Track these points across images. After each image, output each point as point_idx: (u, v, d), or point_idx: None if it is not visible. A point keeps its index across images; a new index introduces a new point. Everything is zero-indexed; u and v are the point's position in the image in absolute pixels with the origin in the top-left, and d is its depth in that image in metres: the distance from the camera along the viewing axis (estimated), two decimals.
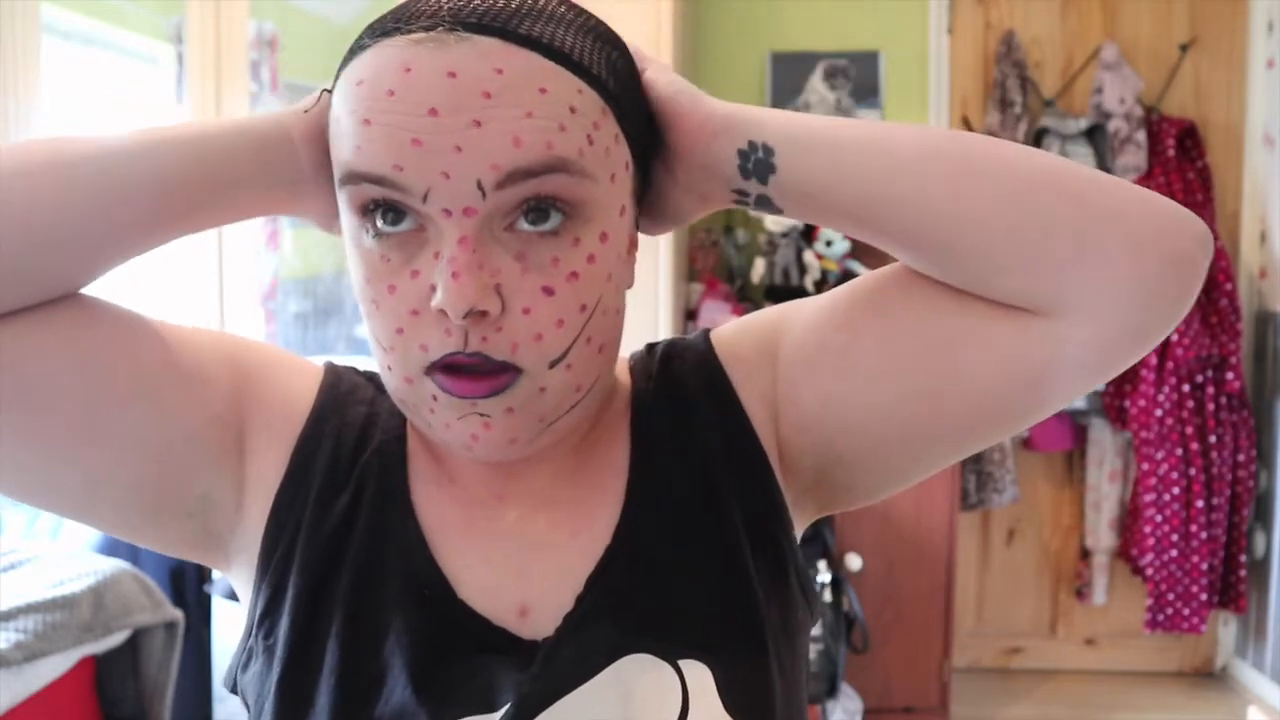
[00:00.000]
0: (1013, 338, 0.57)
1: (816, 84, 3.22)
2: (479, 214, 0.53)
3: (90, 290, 0.58)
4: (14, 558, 2.20)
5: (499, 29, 0.52)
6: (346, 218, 0.57)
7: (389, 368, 0.57)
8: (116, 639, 2.14)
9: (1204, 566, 2.95)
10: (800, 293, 2.95)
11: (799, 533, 0.68)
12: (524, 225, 0.54)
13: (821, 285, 2.97)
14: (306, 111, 0.60)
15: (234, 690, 0.65)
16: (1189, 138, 3.04)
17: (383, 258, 0.55)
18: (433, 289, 0.53)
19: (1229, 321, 2.98)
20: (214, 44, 2.93)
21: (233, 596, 2.53)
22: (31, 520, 2.64)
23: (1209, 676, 3.24)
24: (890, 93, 3.22)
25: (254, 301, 3.12)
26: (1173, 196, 2.95)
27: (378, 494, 0.64)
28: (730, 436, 0.65)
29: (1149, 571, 3.01)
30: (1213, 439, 2.96)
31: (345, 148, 0.54)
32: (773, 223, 2.95)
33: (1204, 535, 2.94)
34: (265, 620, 0.62)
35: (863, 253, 3.06)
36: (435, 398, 0.56)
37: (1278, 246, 3.03)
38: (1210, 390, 2.97)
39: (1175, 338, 2.93)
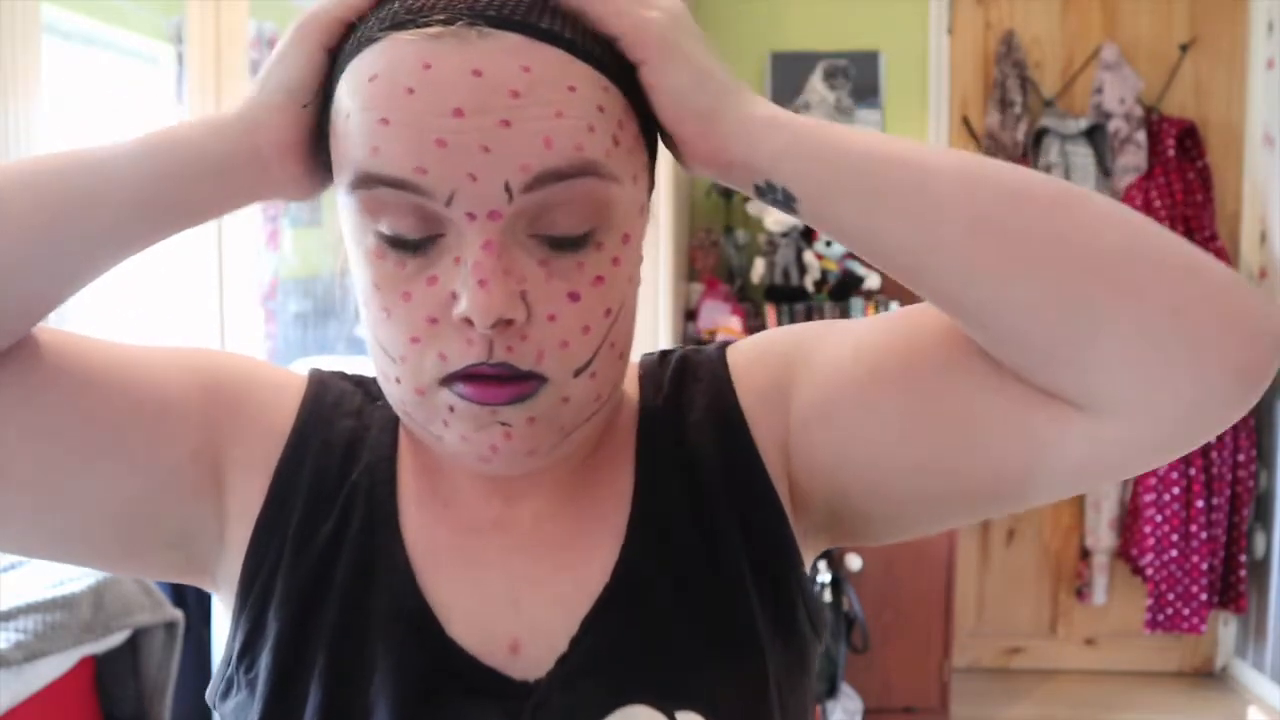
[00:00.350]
0: (1048, 431, 0.52)
1: (816, 84, 3.22)
2: (504, 218, 0.50)
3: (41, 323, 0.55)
4: (14, 558, 2.20)
5: (522, 23, 0.49)
6: (352, 219, 0.53)
7: (397, 379, 0.54)
8: (116, 639, 2.14)
9: (1204, 566, 2.95)
10: (800, 293, 2.95)
11: (809, 561, 0.65)
12: (550, 230, 0.51)
13: (821, 285, 2.97)
14: (306, 107, 0.54)
15: (213, 709, 0.63)
16: (1189, 138, 3.04)
17: (396, 264, 0.52)
18: (453, 296, 0.51)
19: None
20: (214, 44, 2.93)
21: None
22: None
23: (1209, 676, 3.24)
24: (890, 93, 3.22)
25: (254, 301, 3.12)
26: (1173, 196, 2.96)
27: (365, 519, 0.61)
28: (739, 473, 0.61)
29: (1149, 571, 3.01)
30: (1212, 439, 2.96)
31: (358, 147, 0.50)
32: (773, 222, 2.95)
33: (1204, 535, 2.94)
34: (246, 654, 0.59)
35: None
36: (452, 409, 0.52)
37: (1278, 246, 3.03)
38: None
39: None
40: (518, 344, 0.51)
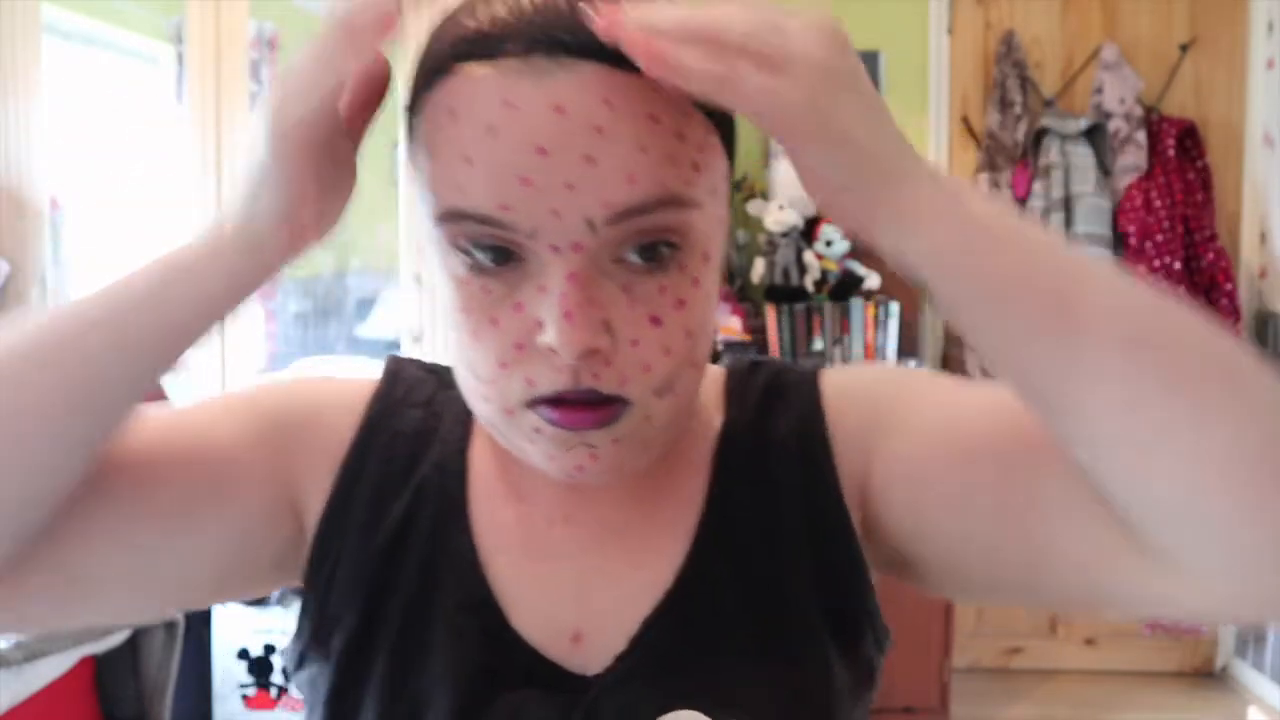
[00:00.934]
0: (1123, 581, 0.51)
1: None
2: (587, 249, 0.50)
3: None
4: None
5: (601, 50, 0.47)
6: (438, 246, 0.53)
7: (484, 398, 0.54)
8: (116, 639, 2.14)
9: None
10: (800, 293, 2.95)
11: None
12: (632, 258, 0.51)
13: (821, 285, 2.97)
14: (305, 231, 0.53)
15: (288, 677, 0.66)
16: (1189, 138, 3.04)
17: (483, 289, 0.52)
18: (538, 324, 0.51)
19: (1229, 321, 2.98)
20: (214, 44, 2.93)
21: None
22: None
23: (1209, 676, 3.24)
24: (890, 93, 3.22)
25: (254, 301, 3.12)
26: (1172, 196, 2.96)
27: (435, 509, 0.62)
28: (817, 499, 0.61)
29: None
30: None
31: (442, 183, 0.50)
32: (773, 222, 2.95)
33: None
34: (319, 632, 0.62)
35: (863, 254, 3.06)
36: (539, 430, 0.53)
37: (1278, 246, 3.04)
38: None
39: None
40: (602, 370, 0.51)
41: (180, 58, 3.08)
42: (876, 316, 2.99)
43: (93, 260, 3.31)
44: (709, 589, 0.59)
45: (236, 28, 2.94)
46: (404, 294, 2.92)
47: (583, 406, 0.52)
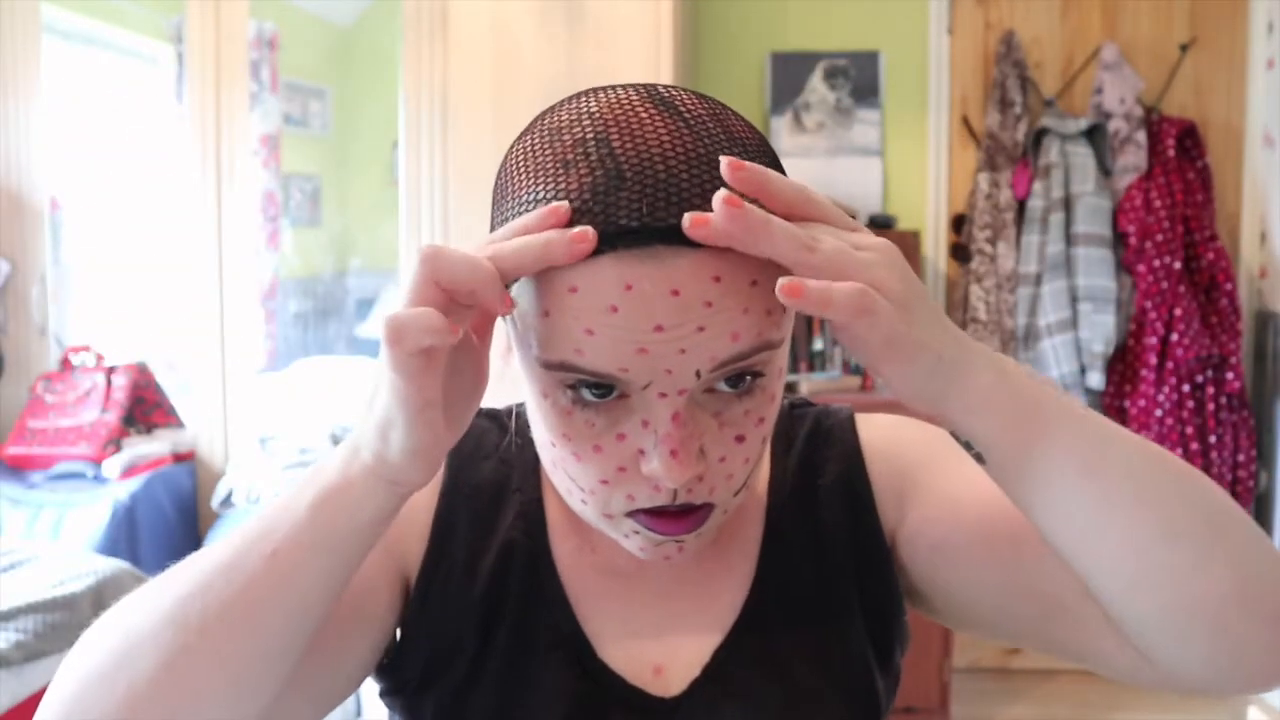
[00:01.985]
0: (1109, 654, 0.60)
1: (816, 84, 3.22)
2: (690, 392, 0.55)
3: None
4: (14, 558, 2.20)
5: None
6: (541, 383, 0.57)
7: (584, 503, 0.60)
8: None
9: None
10: None
11: None
12: (723, 387, 0.56)
13: None
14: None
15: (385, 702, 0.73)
16: (1189, 138, 3.04)
17: (586, 422, 0.57)
18: (640, 453, 0.56)
19: (1229, 321, 2.98)
20: (214, 44, 2.93)
21: None
22: (31, 520, 2.64)
23: None
24: (890, 93, 3.22)
25: (254, 301, 3.12)
26: (1172, 196, 2.96)
27: (526, 559, 0.69)
28: (862, 539, 0.70)
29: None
30: (1213, 439, 2.96)
31: (558, 341, 0.54)
32: None
33: None
34: (429, 670, 0.68)
35: None
36: (636, 532, 0.60)
37: (1278, 246, 3.04)
38: (1210, 390, 2.97)
39: (1175, 338, 2.93)
40: (695, 485, 0.58)
41: (180, 58, 3.08)
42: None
43: (93, 260, 3.31)
44: (768, 621, 0.68)
45: (236, 28, 2.94)
46: None
47: (677, 516, 0.58)
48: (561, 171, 0.54)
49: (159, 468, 2.81)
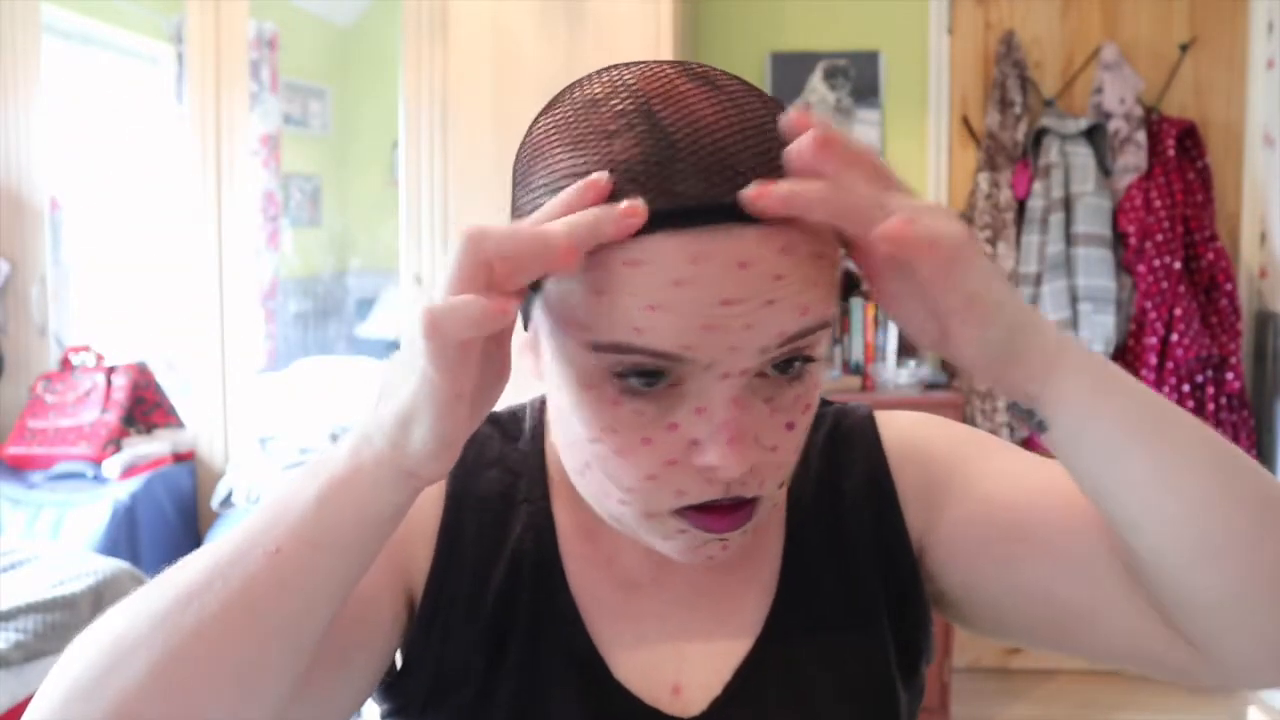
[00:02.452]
0: (1156, 650, 0.59)
1: (816, 84, 3.22)
2: (749, 372, 0.52)
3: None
4: (14, 558, 2.20)
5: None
6: (584, 369, 0.53)
7: (623, 503, 0.56)
8: None
9: None
10: None
11: None
12: (773, 372, 0.54)
13: None
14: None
15: None
16: (1189, 138, 3.04)
17: (635, 412, 0.53)
18: (693, 443, 0.53)
19: (1229, 321, 2.98)
20: (214, 44, 2.93)
21: None
22: (31, 520, 2.64)
23: None
24: (890, 93, 3.22)
25: (254, 301, 3.12)
26: (1173, 196, 2.95)
27: (535, 573, 0.66)
28: (888, 546, 0.67)
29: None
30: None
31: (613, 321, 0.50)
32: None
33: None
34: (435, 692, 0.65)
35: None
36: (682, 531, 0.56)
37: (1278, 246, 3.03)
38: (1210, 390, 2.97)
39: (1175, 338, 2.93)
40: (748, 476, 0.55)
41: (180, 58, 3.08)
42: (876, 317, 2.99)
43: (93, 260, 3.31)
44: (791, 636, 0.65)
45: (236, 28, 2.94)
46: (404, 294, 2.92)
47: (726, 511, 0.55)
48: (605, 141, 0.51)
49: (159, 468, 2.81)
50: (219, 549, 0.52)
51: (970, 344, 0.52)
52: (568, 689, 0.63)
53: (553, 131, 0.54)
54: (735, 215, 0.49)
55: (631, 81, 0.54)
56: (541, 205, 0.52)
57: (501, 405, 0.68)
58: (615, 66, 0.57)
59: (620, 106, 0.52)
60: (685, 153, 0.50)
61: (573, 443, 0.57)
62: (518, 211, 0.56)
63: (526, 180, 0.55)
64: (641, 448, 0.54)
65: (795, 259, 0.51)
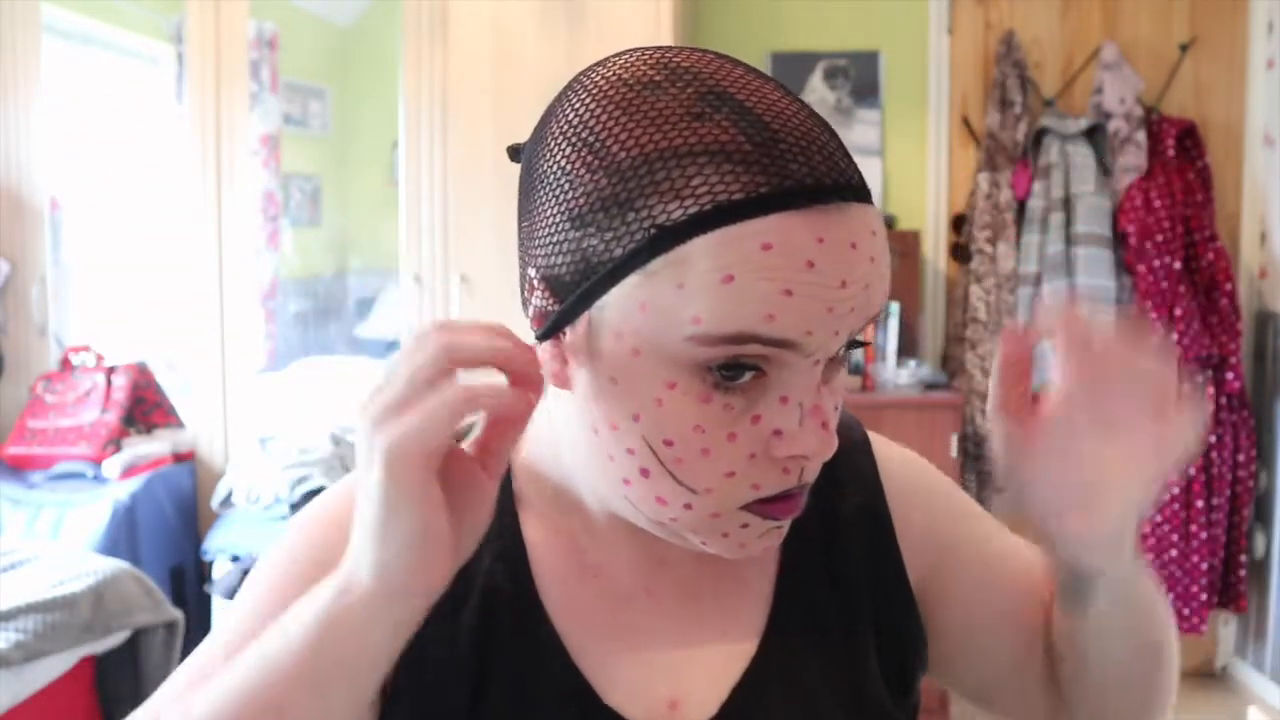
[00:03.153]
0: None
1: (816, 84, 3.22)
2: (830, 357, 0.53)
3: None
4: (14, 558, 2.20)
5: (862, 188, 0.52)
6: (677, 368, 0.51)
7: (688, 506, 0.54)
8: (116, 639, 2.14)
9: (1204, 566, 2.95)
10: None
11: None
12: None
13: None
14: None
15: None
16: (1189, 138, 3.04)
17: (725, 406, 0.52)
18: (775, 434, 0.53)
19: (1229, 321, 2.98)
20: (214, 44, 2.93)
21: (233, 596, 2.53)
22: (31, 520, 2.64)
23: (1209, 676, 3.24)
24: (890, 93, 3.22)
25: (254, 301, 3.12)
26: (1173, 196, 2.95)
27: (511, 607, 0.62)
28: (884, 575, 0.68)
29: (1149, 571, 3.00)
30: (1213, 439, 2.96)
31: (745, 311, 0.49)
32: None
33: (1204, 535, 2.94)
34: None
35: None
36: (746, 525, 0.55)
37: (1278, 246, 3.03)
38: (1210, 390, 2.97)
39: (1175, 338, 2.93)
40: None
41: (180, 58, 3.08)
42: (876, 317, 2.99)
43: (93, 260, 3.31)
44: (790, 653, 0.63)
45: (236, 28, 2.94)
46: (404, 294, 2.92)
47: (790, 497, 0.55)
48: (695, 122, 0.50)
49: (159, 468, 2.81)
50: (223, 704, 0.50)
51: (1094, 528, 0.57)
52: None
53: (611, 113, 0.51)
54: (845, 194, 0.50)
55: (685, 65, 0.53)
56: (658, 201, 0.50)
57: None
58: (628, 52, 0.55)
59: (691, 90, 0.51)
60: (783, 133, 0.50)
61: (624, 452, 0.53)
62: (624, 209, 0.51)
63: (588, 166, 0.51)
64: (728, 444, 0.52)
65: (880, 241, 0.52)
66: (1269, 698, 3.00)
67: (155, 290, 3.34)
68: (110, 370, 2.94)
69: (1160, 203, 2.97)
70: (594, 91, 0.53)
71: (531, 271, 0.55)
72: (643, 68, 0.53)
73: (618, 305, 0.51)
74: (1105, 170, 3.05)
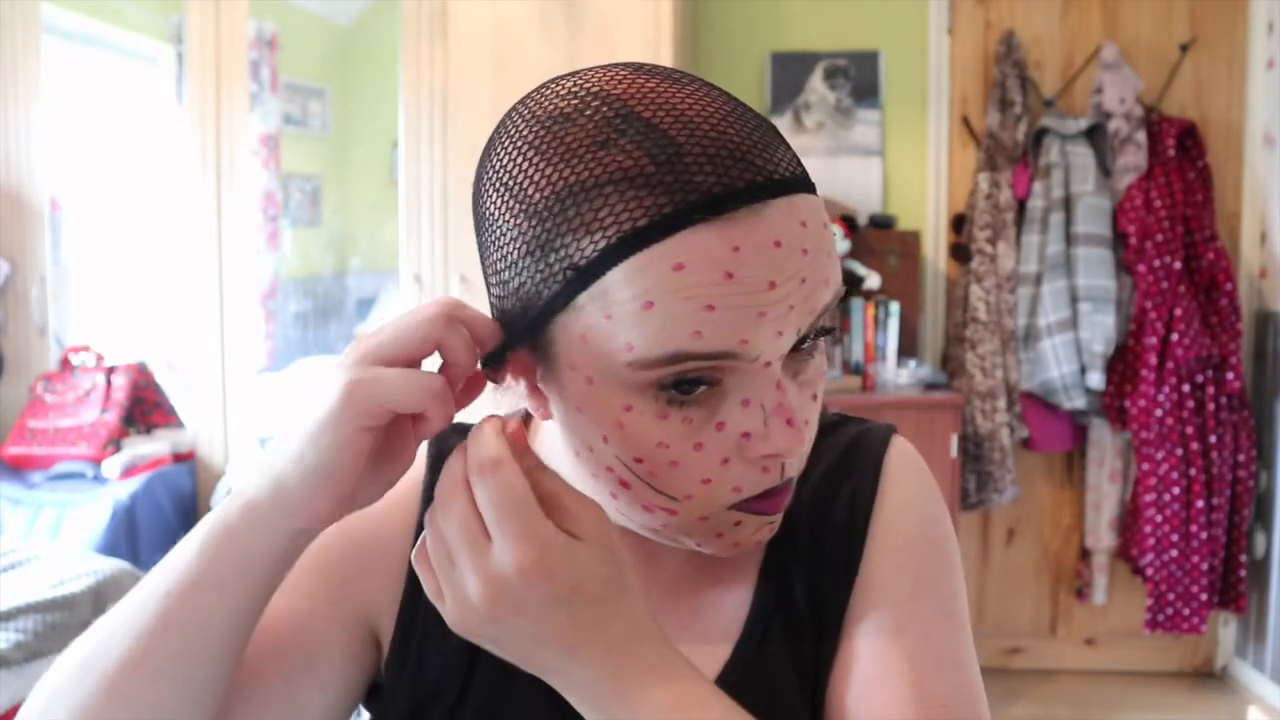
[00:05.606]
0: None
1: (816, 84, 3.22)
2: (785, 354, 0.53)
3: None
4: (14, 558, 2.20)
5: (787, 180, 0.51)
6: (626, 391, 0.52)
7: (673, 513, 0.55)
8: None
9: (1204, 566, 2.95)
10: None
11: None
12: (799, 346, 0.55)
13: None
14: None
15: None
16: (1189, 138, 3.04)
17: (684, 420, 0.53)
18: (745, 437, 0.53)
19: (1229, 321, 2.98)
20: (214, 44, 2.93)
21: None
22: (31, 520, 2.64)
23: (1209, 676, 3.24)
24: (890, 93, 3.22)
25: (254, 301, 3.12)
26: (1173, 196, 2.95)
27: None
28: (840, 584, 0.64)
29: (1149, 571, 3.01)
30: (1213, 439, 2.96)
31: (671, 333, 0.50)
32: None
33: (1204, 535, 2.94)
34: (415, 713, 0.65)
35: (863, 253, 3.06)
36: (738, 523, 0.56)
37: (1278, 246, 3.04)
38: (1210, 390, 2.97)
39: (1176, 338, 2.93)
40: (798, 456, 0.56)
41: (180, 58, 3.08)
42: (876, 316, 2.99)
43: (93, 260, 3.31)
44: (760, 662, 0.62)
45: (236, 28, 2.94)
46: (404, 294, 2.92)
47: (778, 492, 0.56)
48: (600, 150, 0.50)
49: (159, 468, 2.81)
50: (128, 599, 0.55)
51: None
52: (536, 707, 0.61)
53: (526, 154, 0.53)
54: (759, 194, 0.50)
55: (595, 89, 0.53)
56: (584, 243, 0.51)
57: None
58: (554, 81, 0.56)
59: (599, 116, 0.52)
60: (689, 145, 0.50)
61: (604, 470, 0.55)
62: (534, 258, 0.52)
63: (508, 211, 0.53)
64: (695, 454, 0.53)
65: (813, 230, 0.52)
66: (1269, 698, 3.00)
67: (155, 290, 3.34)
68: (110, 370, 2.94)
69: (1160, 203, 2.97)
70: (512, 134, 0.55)
71: (492, 306, 0.58)
72: (556, 100, 0.54)
73: (563, 340, 0.53)
74: (1105, 170, 3.05)
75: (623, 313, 0.50)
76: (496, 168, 0.54)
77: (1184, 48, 3.11)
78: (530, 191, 0.52)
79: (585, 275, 0.50)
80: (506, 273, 0.54)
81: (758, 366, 0.52)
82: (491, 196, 0.55)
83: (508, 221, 0.53)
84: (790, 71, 3.21)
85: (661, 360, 0.50)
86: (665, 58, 2.66)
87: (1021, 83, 3.09)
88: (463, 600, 0.50)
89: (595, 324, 0.51)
